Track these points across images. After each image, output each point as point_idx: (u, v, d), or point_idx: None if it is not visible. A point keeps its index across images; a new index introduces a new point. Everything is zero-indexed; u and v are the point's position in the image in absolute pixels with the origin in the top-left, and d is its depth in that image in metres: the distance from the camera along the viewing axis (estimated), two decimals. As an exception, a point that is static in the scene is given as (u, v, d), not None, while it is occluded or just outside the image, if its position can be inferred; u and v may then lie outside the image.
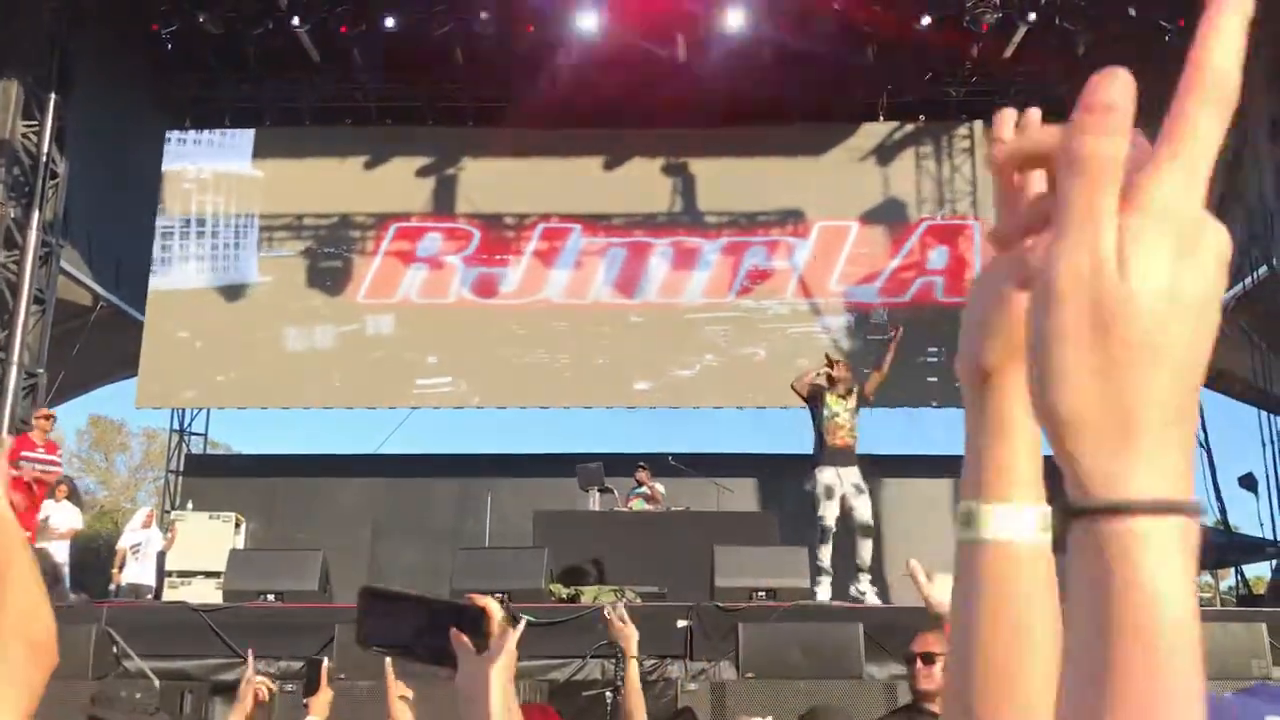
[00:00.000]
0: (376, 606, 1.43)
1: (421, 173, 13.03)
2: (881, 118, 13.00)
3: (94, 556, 14.64)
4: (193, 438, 13.67)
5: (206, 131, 13.26)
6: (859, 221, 12.72)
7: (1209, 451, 11.81)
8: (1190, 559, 0.43)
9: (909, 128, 13.03)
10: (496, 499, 11.57)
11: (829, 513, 7.96)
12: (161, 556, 11.13)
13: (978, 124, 12.91)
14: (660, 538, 8.86)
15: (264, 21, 11.59)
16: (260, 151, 13.17)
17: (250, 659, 3.16)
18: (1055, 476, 0.50)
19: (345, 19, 11.58)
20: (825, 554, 7.93)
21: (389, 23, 11.65)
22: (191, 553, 11.07)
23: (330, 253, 12.91)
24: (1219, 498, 11.81)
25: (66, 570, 9.71)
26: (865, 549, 7.98)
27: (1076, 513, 0.45)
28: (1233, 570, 16.57)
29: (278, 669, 6.25)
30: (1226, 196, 11.15)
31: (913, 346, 12.02)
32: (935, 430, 13.14)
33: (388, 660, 2.54)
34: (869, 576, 8.04)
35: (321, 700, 3.03)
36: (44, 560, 8.76)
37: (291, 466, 13.18)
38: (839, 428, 8.02)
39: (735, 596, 6.97)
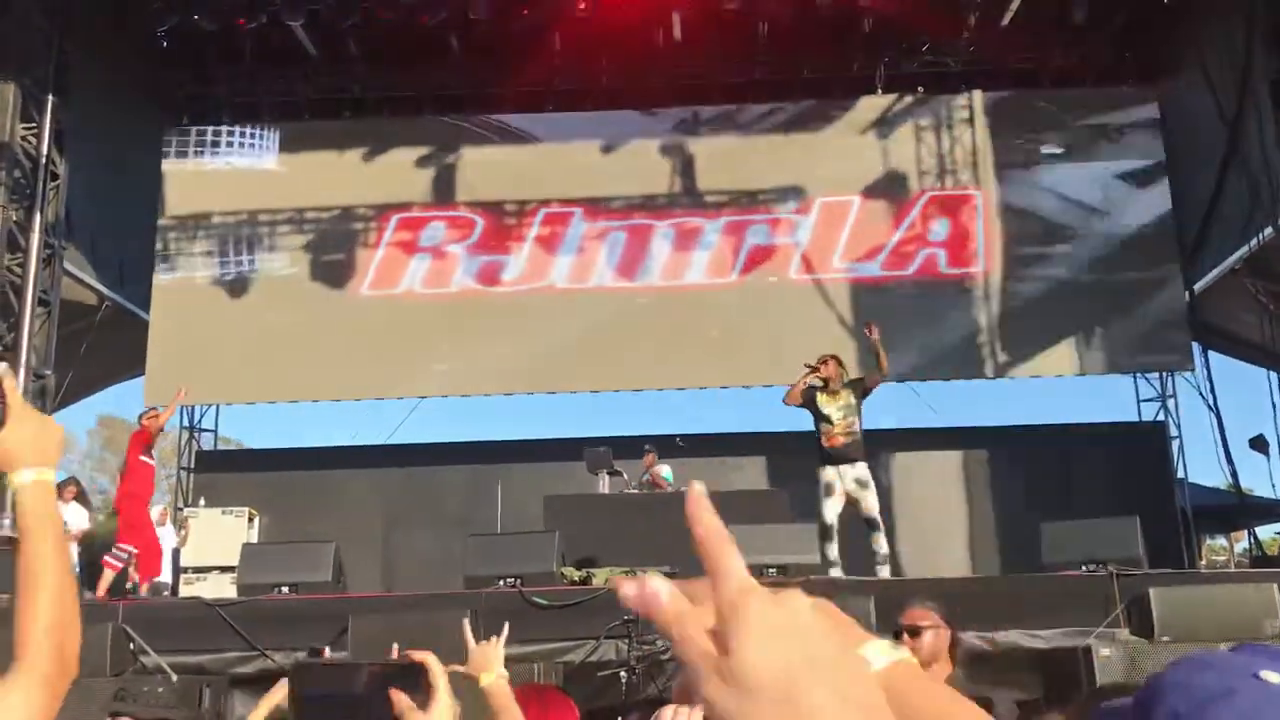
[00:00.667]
0: (312, 687, 1.43)
1: (421, 162, 13.00)
2: (880, 90, 12.92)
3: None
4: (203, 434, 13.72)
5: (205, 128, 13.26)
6: (861, 196, 12.66)
7: (1219, 414, 11.77)
8: None
9: (908, 99, 12.94)
10: (507, 485, 11.60)
11: (829, 510, 8.09)
12: (176, 553, 11.21)
13: (977, 94, 12.83)
14: (670, 518, 8.86)
15: (259, 16, 11.57)
16: (260, 147, 13.16)
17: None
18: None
19: (339, 10, 11.55)
20: (831, 550, 8.02)
21: (384, 13, 11.63)
22: (205, 548, 11.15)
23: (333, 245, 12.92)
24: (1230, 460, 11.76)
25: (77, 571, 9.79)
26: (878, 541, 8.07)
27: None
28: (1245, 533, 16.57)
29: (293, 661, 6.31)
30: (1230, 159, 11.08)
31: (916, 320, 12.01)
32: (944, 401, 13.15)
33: None
34: (887, 568, 8.10)
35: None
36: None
37: (302, 459, 13.24)
38: (831, 429, 8.17)
39: (746, 574, 6.99)
